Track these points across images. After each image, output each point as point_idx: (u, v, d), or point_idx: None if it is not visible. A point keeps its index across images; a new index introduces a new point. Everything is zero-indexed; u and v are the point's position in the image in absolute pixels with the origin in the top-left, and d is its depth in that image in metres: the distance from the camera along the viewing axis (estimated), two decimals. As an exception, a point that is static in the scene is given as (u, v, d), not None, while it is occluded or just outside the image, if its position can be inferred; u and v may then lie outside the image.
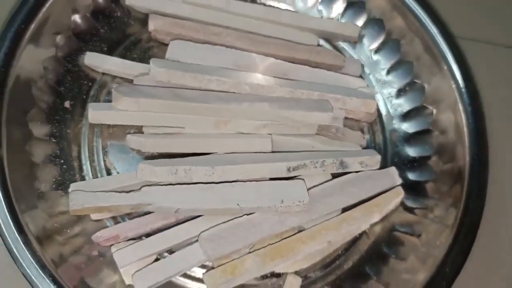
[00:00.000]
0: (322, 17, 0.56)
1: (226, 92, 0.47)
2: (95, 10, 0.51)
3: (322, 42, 0.56)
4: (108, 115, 0.46)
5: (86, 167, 0.47)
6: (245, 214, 0.44)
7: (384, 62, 0.55)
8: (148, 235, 0.44)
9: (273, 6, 0.56)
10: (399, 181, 0.49)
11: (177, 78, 0.47)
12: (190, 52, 0.49)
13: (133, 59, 0.51)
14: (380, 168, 0.48)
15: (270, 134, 0.48)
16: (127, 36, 0.53)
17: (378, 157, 0.48)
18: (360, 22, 0.55)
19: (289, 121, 0.47)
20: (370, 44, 0.56)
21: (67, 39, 0.49)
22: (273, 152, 0.47)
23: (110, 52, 0.51)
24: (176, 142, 0.46)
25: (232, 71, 0.48)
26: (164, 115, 0.46)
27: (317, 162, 0.46)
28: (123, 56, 0.52)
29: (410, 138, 0.52)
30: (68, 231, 0.43)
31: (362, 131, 0.52)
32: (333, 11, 0.56)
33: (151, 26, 0.50)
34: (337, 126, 0.50)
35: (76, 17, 0.50)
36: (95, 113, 0.46)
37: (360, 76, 0.54)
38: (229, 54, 0.50)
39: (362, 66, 0.55)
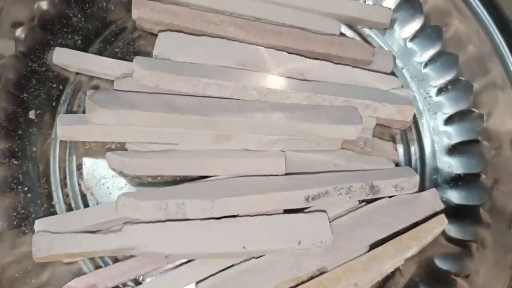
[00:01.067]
0: (345, -2, 0.46)
1: (229, 98, 0.38)
2: (65, -7, 0.41)
3: (343, 28, 0.45)
4: (81, 130, 0.37)
5: (57, 193, 0.39)
6: (253, 257, 0.35)
7: (420, 53, 0.45)
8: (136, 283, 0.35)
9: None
10: (440, 206, 0.40)
11: (167, 82, 0.37)
12: (183, 47, 0.39)
13: (114, 54, 0.43)
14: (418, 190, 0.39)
15: (283, 152, 0.39)
16: (106, 25, 0.43)
17: (416, 179, 0.39)
18: (392, 3, 0.45)
19: (308, 136, 0.38)
20: (404, 30, 0.45)
21: (30, 31, 0.40)
22: (286, 174, 0.38)
23: (86, 46, 0.42)
24: (167, 163, 0.37)
25: (235, 72, 0.39)
26: (151, 130, 0.37)
27: (342, 188, 0.37)
28: (102, 51, 0.42)
29: (453, 150, 0.43)
30: (33, 280, 0.35)
31: (393, 140, 0.43)
32: (358, -10, 0.46)
33: (135, 13, 0.40)
34: (366, 137, 0.40)
35: (42, 3, 0.40)
36: (66, 128, 0.37)
37: (392, 73, 0.44)
38: (232, 49, 0.40)
39: (394, 58, 0.45)
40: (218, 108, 0.37)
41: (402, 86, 0.42)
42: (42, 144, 0.39)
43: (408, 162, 0.43)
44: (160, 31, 0.40)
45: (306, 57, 0.41)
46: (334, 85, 0.40)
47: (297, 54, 0.41)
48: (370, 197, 0.38)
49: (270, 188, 0.36)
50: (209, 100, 0.38)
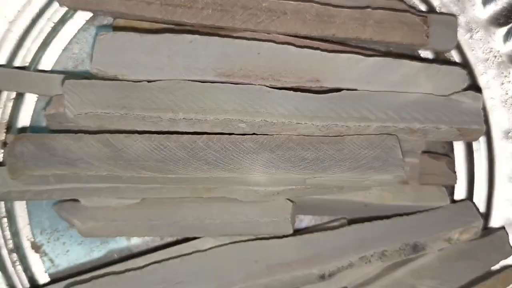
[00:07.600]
0: None
1: (207, 134, 0.26)
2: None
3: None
4: None
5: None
6: None
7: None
8: None
9: None
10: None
11: (114, 122, 0.26)
12: (135, 55, 0.26)
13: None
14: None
15: (291, 203, 0.28)
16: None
17: (478, 225, 0.28)
18: None
19: (324, 188, 0.26)
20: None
21: None
22: (294, 233, 0.28)
23: None
24: (129, 225, 0.28)
25: (214, 92, 0.26)
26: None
27: (372, 255, 0.27)
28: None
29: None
30: None
31: (450, 154, 0.31)
32: None
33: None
34: (409, 163, 0.28)
35: None
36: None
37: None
38: (208, 50, 0.27)
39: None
40: (189, 159, 0.25)
41: (471, 86, 0.28)
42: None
43: (470, 187, 0.31)
44: (101, 33, 0.26)
45: (322, 49, 0.27)
46: (363, 96, 0.27)
47: (310, 47, 0.27)
48: (412, 256, 0.28)
49: (270, 266, 0.26)
50: (176, 148, 0.26)
